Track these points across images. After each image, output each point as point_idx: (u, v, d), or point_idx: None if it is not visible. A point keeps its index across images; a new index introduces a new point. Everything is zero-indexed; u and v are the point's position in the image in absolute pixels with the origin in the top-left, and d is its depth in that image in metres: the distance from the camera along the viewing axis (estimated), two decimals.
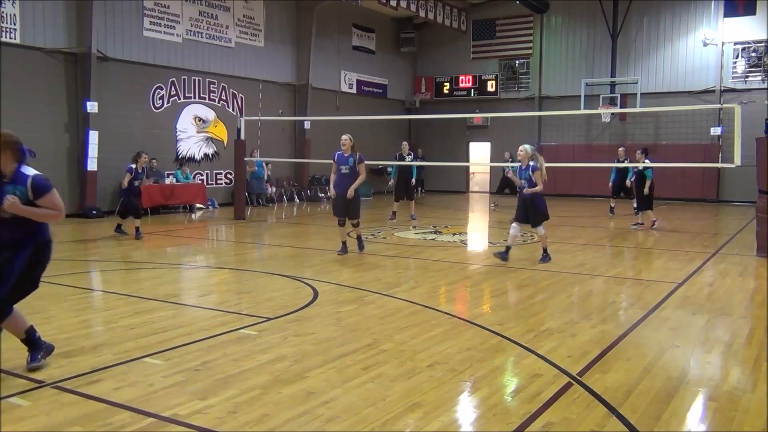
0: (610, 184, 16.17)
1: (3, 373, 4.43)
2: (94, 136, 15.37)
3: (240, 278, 8.61)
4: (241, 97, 19.71)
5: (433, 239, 12.19)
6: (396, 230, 13.43)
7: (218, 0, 18.82)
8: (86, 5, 15.15)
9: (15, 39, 14.19)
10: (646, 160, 13.69)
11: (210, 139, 19.04)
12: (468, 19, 25.70)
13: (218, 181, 19.35)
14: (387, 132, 25.67)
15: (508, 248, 9.52)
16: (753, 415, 3.95)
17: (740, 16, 21.37)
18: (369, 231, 13.52)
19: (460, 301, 7.57)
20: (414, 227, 13.88)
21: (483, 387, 4.37)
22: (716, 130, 21.49)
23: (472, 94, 26.26)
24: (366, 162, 9.81)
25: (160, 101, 17.53)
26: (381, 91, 25.95)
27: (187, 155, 18.32)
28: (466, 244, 12.23)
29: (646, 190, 13.64)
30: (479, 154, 26.00)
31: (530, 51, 25.25)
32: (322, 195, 21.36)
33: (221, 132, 19.27)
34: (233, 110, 19.42)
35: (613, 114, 22.66)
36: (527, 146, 9.45)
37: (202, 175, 18.76)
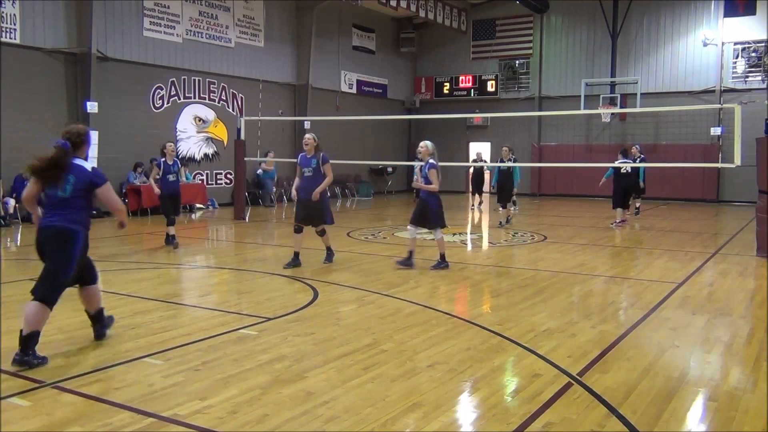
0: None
1: (3, 373, 4.44)
2: (94, 136, 15.35)
3: (240, 278, 8.61)
4: (241, 97, 19.72)
5: (433, 239, 12.14)
6: (396, 230, 13.42)
7: (218, 0, 18.83)
8: (86, 5, 15.16)
9: (15, 39, 14.19)
10: (628, 160, 14.77)
11: (210, 139, 19.05)
12: (468, 19, 25.68)
13: (218, 182, 19.36)
14: (387, 132, 25.73)
15: (410, 253, 9.03)
16: (753, 415, 3.95)
17: (740, 16, 21.36)
18: (369, 231, 13.52)
19: (460, 301, 7.57)
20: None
21: (483, 387, 4.37)
22: (716, 130, 21.47)
23: (472, 94, 26.26)
24: (366, 162, 9.70)
25: (160, 101, 17.53)
26: (381, 91, 25.94)
27: (187, 155, 18.32)
28: (466, 244, 12.23)
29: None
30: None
31: (530, 51, 25.25)
32: None
33: (221, 132, 19.28)
34: (233, 110, 19.42)
35: (613, 114, 22.65)
36: (428, 143, 8.95)
37: (202, 175, 18.77)
